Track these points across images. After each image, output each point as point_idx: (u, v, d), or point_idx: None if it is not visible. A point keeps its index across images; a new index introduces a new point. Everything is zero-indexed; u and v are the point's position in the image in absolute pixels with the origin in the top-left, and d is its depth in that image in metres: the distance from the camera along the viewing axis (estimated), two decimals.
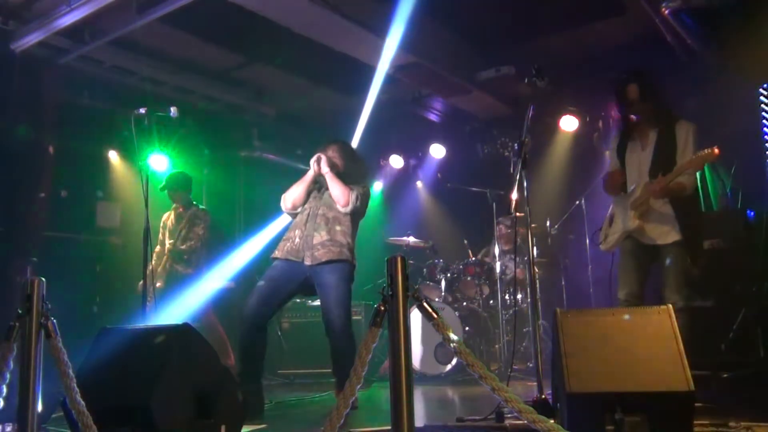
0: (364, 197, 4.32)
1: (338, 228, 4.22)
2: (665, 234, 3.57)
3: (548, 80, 3.61)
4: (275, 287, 4.13)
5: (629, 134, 3.79)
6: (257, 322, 4.05)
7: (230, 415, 2.93)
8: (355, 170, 4.44)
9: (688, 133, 3.65)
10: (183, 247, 5.58)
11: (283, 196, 4.40)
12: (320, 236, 4.16)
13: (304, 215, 4.30)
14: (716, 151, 3.36)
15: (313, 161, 4.33)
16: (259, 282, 4.18)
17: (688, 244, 3.55)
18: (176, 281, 5.55)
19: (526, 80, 3.55)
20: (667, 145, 3.64)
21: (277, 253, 4.25)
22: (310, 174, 4.34)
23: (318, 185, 4.40)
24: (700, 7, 5.20)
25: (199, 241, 5.62)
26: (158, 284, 5.50)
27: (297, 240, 4.20)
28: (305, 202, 4.36)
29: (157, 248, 5.73)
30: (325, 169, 4.29)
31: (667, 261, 3.56)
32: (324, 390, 5.14)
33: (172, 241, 5.65)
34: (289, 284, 4.15)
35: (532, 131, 3.58)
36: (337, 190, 4.23)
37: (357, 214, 4.32)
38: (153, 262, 5.60)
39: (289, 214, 4.42)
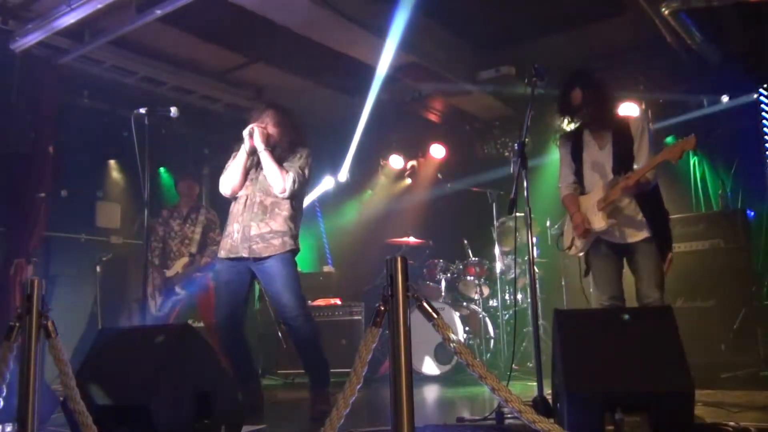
0: (302, 176, 3.95)
1: (280, 214, 3.91)
2: (637, 230, 3.56)
3: (548, 80, 3.60)
4: (233, 291, 3.95)
5: (581, 136, 3.78)
6: (231, 328, 3.94)
7: (230, 415, 2.93)
8: (294, 139, 4.05)
9: (642, 127, 3.65)
10: (207, 258, 5.46)
11: (220, 180, 4.06)
12: (258, 227, 3.86)
13: (240, 204, 3.96)
14: (694, 139, 3.36)
15: (245, 134, 3.92)
16: (218, 290, 4.03)
17: (658, 239, 3.54)
18: (193, 286, 5.51)
19: (526, 80, 3.55)
20: (624, 141, 3.63)
21: (221, 252, 3.97)
22: (245, 151, 3.95)
23: (252, 162, 4.03)
24: (700, 7, 5.20)
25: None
26: (178, 290, 5.45)
27: (236, 234, 3.90)
28: (244, 184, 4.00)
29: (155, 246, 5.57)
30: (260, 147, 3.89)
31: (640, 258, 3.54)
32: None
33: (185, 247, 5.55)
34: (243, 283, 3.96)
35: (532, 131, 3.58)
36: (272, 174, 3.87)
37: (298, 194, 3.99)
38: (156, 261, 5.57)
39: (231, 199, 4.08)
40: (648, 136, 3.62)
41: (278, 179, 3.87)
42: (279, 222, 3.89)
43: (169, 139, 7.08)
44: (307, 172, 3.98)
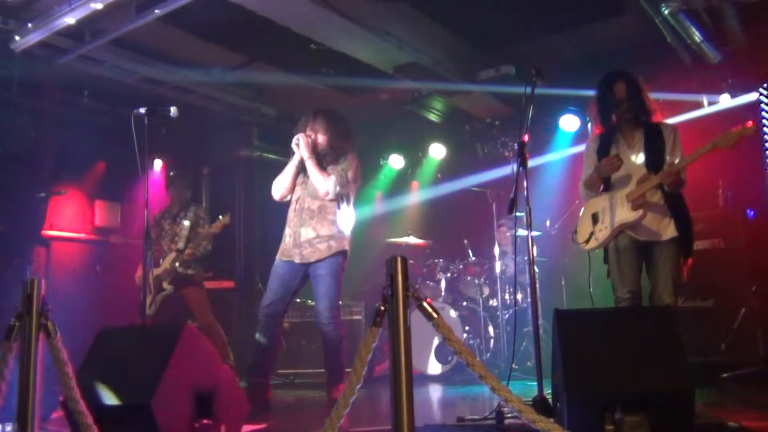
0: (344, 178, 4.15)
1: (326, 218, 4.14)
2: (664, 228, 3.55)
3: (548, 80, 3.59)
4: (284, 285, 4.17)
5: (611, 135, 3.78)
6: (274, 318, 4.15)
7: (230, 414, 2.93)
8: (341, 144, 4.27)
9: (675, 133, 3.67)
10: (197, 251, 5.45)
11: (273, 185, 4.34)
12: (307, 233, 4.11)
13: (293, 210, 4.23)
14: (753, 126, 3.35)
15: (293, 145, 4.20)
16: (270, 280, 4.22)
17: (683, 241, 3.54)
18: (181, 283, 5.52)
19: (525, 81, 3.55)
20: (656, 142, 3.64)
21: (278, 255, 4.25)
22: (294, 160, 4.23)
23: (304, 169, 4.26)
24: (700, 8, 5.20)
25: (210, 243, 5.55)
26: (165, 285, 5.46)
27: (288, 239, 4.18)
28: (293, 189, 4.28)
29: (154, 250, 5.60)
30: (305, 155, 4.15)
31: (661, 259, 3.53)
32: (324, 390, 5.13)
33: (174, 244, 5.56)
34: (294, 281, 4.20)
35: (532, 131, 3.58)
36: (316, 179, 4.12)
37: (343, 196, 4.19)
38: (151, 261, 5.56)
39: (281, 202, 4.37)
40: (679, 143, 3.64)
41: (321, 183, 4.11)
42: (326, 226, 4.13)
43: (169, 139, 7.08)
44: (350, 174, 4.21)
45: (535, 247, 3.55)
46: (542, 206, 6.32)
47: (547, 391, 3.15)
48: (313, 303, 6.69)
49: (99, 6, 4.77)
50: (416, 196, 8.43)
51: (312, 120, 4.28)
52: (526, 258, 3.67)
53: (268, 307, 4.14)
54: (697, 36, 5.49)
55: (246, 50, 6.26)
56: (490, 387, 1.99)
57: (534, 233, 3.52)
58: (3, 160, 5.41)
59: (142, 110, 4.20)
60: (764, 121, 5.87)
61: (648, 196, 3.56)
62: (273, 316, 4.15)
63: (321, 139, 4.24)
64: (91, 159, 6.65)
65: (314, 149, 4.19)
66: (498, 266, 6.27)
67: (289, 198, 4.30)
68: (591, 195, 3.85)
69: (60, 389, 2.40)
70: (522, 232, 4.96)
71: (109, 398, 2.62)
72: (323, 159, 4.21)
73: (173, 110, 4.30)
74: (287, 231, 4.22)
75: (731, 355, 4.78)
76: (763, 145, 5.82)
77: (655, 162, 3.59)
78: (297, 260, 4.11)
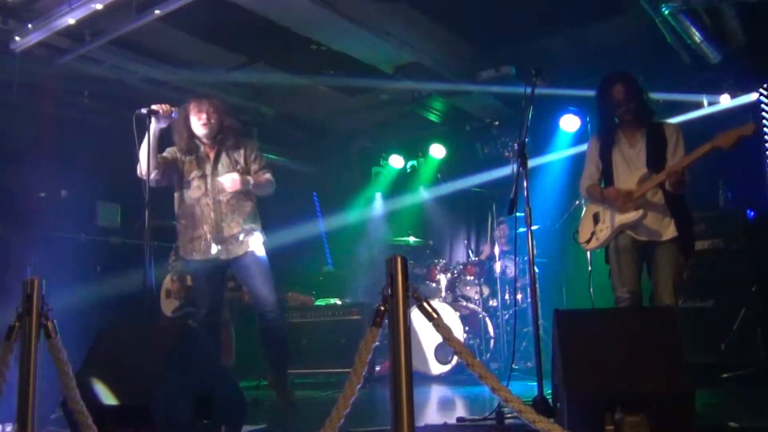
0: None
1: (245, 211, 4.10)
2: (664, 228, 3.55)
3: (548, 80, 3.59)
4: (215, 286, 4.10)
5: (613, 135, 3.78)
6: (210, 323, 4.08)
7: (230, 415, 2.93)
8: (233, 119, 4.26)
9: (677, 132, 3.66)
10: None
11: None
12: (230, 228, 4.03)
13: (205, 205, 4.08)
14: (753, 126, 3.35)
15: (159, 110, 4.00)
16: (195, 289, 4.18)
17: (684, 241, 3.54)
18: None
19: (525, 81, 3.55)
20: (657, 141, 3.64)
21: (194, 255, 4.09)
22: (151, 134, 3.97)
23: (200, 161, 4.16)
24: (700, 8, 5.20)
25: None
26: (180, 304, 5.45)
27: (208, 236, 4.05)
28: (157, 165, 4.03)
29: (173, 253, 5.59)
30: (247, 184, 4.09)
31: (662, 259, 3.53)
32: (324, 390, 5.14)
33: None
34: (222, 279, 4.16)
35: (532, 131, 3.58)
36: (264, 187, 4.15)
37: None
38: (178, 265, 5.51)
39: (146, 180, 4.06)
40: (683, 142, 3.63)
41: (269, 187, 4.15)
42: (248, 217, 4.11)
43: (168, 139, 7.06)
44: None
45: (534, 248, 3.55)
46: (542, 206, 6.33)
47: (547, 391, 3.15)
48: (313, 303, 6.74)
49: (99, 6, 4.78)
50: (416, 196, 8.44)
51: (201, 102, 4.22)
52: (526, 258, 3.67)
53: (208, 315, 4.06)
54: (697, 36, 5.49)
55: (246, 50, 6.27)
56: (490, 387, 1.99)
57: (534, 227, 3.52)
58: (3, 160, 5.41)
59: (143, 110, 4.20)
60: (764, 121, 5.88)
61: (649, 195, 3.56)
62: (211, 324, 4.07)
63: (215, 119, 4.18)
64: (91, 159, 6.64)
65: (218, 132, 4.14)
66: (498, 266, 6.27)
67: (154, 177, 4.03)
68: (592, 202, 3.86)
69: (60, 389, 2.40)
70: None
71: (109, 398, 2.62)
72: (224, 143, 4.15)
73: (173, 110, 4.30)
74: (206, 228, 4.05)
75: (731, 355, 4.78)
76: (763, 145, 5.82)
77: (656, 162, 3.59)
78: (223, 257, 4.02)
